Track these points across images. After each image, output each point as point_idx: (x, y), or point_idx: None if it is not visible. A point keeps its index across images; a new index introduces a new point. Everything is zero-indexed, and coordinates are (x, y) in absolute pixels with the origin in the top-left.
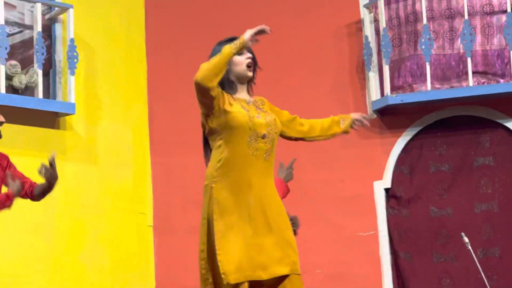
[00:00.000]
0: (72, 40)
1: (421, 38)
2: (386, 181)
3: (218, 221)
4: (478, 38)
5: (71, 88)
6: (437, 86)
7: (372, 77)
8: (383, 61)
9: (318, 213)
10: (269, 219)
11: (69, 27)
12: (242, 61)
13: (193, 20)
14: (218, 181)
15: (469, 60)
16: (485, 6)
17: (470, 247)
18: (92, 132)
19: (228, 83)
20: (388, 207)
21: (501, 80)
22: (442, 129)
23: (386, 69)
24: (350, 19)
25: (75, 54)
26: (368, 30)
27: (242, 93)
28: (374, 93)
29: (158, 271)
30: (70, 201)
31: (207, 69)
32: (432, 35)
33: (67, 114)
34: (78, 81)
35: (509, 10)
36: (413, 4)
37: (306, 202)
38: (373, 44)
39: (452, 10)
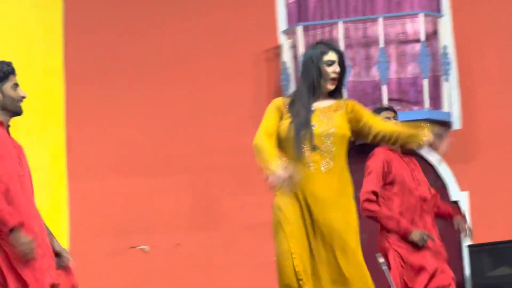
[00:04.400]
0: None
1: None
2: None
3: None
4: (393, 66)
5: None
6: None
7: None
8: None
9: (234, 238)
10: (316, 241)
11: None
12: (328, 73)
13: (111, 44)
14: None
15: (384, 87)
16: (399, 35)
17: (385, 267)
18: None
19: (313, 89)
20: None
21: (415, 108)
22: (359, 156)
23: None
24: (269, 45)
25: None
26: (287, 56)
27: (323, 101)
28: None
29: None
30: None
31: (257, 155)
32: (349, 62)
33: None
34: None
35: (422, 39)
36: (331, 31)
37: (222, 227)
38: (291, 70)
39: (368, 38)
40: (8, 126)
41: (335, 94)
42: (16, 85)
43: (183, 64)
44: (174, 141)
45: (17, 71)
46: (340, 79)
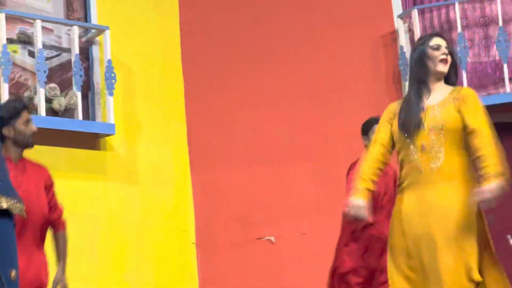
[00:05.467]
0: (109, 61)
1: (457, 46)
2: None
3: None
4: None
5: (110, 109)
6: None
7: None
8: None
9: None
10: (425, 243)
11: (106, 49)
12: (435, 55)
13: (228, 37)
14: (398, 198)
15: (505, 66)
16: None
17: None
18: (132, 151)
19: (423, 81)
20: None
21: None
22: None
23: None
24: (385, 30)
25: (112, 75)
26: (403, 40)
27: (437, 94)
28: None
29: None
30: (113, 220)
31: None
32: (467, 43)
33: (107, 135)
34: (116, 102)
35: None
36: (447, 13)
37: None
38: (408, 54)
39: (486, 18)
40: (21, 158)
41: (449, 79)
42: (28, 121)
43: (301, 52)
44: (295, 128)
45: (137, 70)
46: (452, 64)
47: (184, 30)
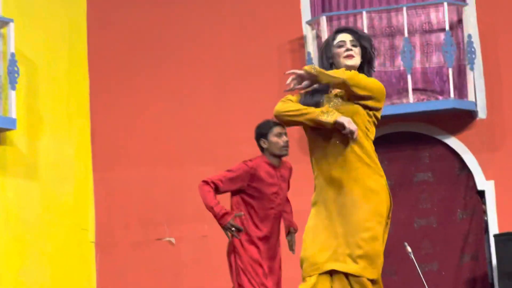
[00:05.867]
0: (12, 55)
1: None
2: None
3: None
4: (418, 55)
5: (12, 103)
6: None
7: None
8: None
9: None
10: (338, 217)
11: (9, 42)
12: (339, 52)
13: (135, 35)
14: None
15: (409, 77)
16: (424, 25)
17: (413, 256)
18: (34, 147)
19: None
20: None
21: (440, 97)
22: (383, 145)
23: None
24: (293, 36)
25: (15, 68)
26: (311, 46)
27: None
28: None
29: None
30: (10, 217)
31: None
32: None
33: (8, 129)
34: (19, 96)
35: (447, 28)
36: (355, 21)
37: None
38: (316, 60)
39: (392, 28)
40: None
41: (361, 72)
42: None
43: (207, 54)
44: (199, 131)
45: (42, 65)
46: (364, 56)
47: (91, 25)
